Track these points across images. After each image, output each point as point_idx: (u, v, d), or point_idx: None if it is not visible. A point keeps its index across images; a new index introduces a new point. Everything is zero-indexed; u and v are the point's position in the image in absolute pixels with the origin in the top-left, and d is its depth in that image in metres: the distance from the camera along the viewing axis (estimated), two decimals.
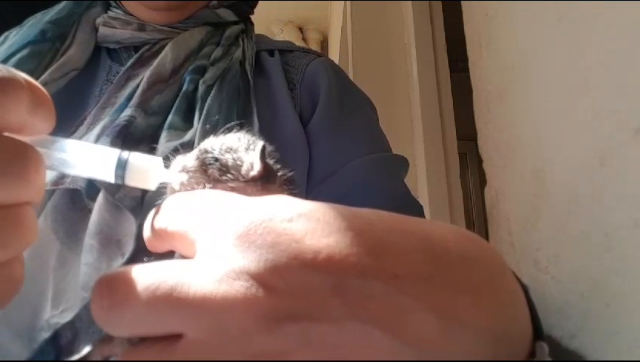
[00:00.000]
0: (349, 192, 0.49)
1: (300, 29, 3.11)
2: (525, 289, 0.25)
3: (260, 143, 0.27)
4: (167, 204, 0.25)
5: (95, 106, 0.47)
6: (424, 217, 0.53)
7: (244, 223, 0.21)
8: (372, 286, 0.20)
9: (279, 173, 0.28)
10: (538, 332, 0.24)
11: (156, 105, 0.46)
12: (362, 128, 0.56)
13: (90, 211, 0.39)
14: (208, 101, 0.46)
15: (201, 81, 0.48)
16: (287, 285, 0.19)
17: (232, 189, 0.26)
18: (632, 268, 0.35)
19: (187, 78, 0.48)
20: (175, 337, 0.20)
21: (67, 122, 0.45)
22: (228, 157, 0.27)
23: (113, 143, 0.41)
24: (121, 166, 0.25)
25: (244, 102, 0.49)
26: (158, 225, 0.25)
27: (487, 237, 0.63)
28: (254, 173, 0.26)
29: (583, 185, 0.42)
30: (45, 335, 0.34)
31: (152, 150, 0.41)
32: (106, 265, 0.36)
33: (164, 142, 0.42)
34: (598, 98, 0.41)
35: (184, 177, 0.27)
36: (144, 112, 0.45)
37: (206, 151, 0.27)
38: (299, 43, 3.02)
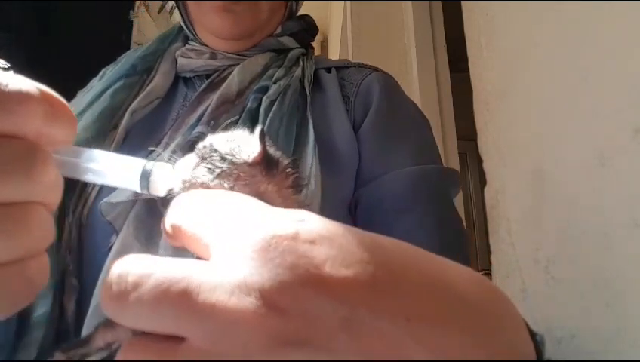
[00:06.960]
0: (386, 199, 0.51)
1: None
2: (536, 341, 0.25)
3: (259, 128, 0.27)
4: (182, 200, 0.25)
5: (171, 127, 0.54)
6: (462, 234, 0.53)
7: (265, 237, 0.21)
8: (381, 325, 0.19)
9: (281, 159, 0.28)
10: None
11: (223, 123, 0.51)
12: (411, 138, 0.58)
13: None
14: (270, 114, 0.51)
15: (264, 97, 0.53)
16: (298, 310, 0.19)
17: (237, 178, 0.26)
18: (632, 268, 0.35)
19: (251, 97, 0.54)
20: (178, 338, 0.20)
21: (149, 143, 0.52)
22: (227, 147, 0.27)
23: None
24: (146, 176, 0.26)
25: (301, 114, 0.54)
26: (172, 221, 0.25)
27: (487, 238, 0.63)
28: (254, 155, 0.26)
29: (583, 185, 0.42)
30: None
31: None
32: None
33: None
34: (598, 98, 0.40)
35: (186, 175, 0.27)
36: (212, 129, 0.50)
37: (204, 147, 0.27)
38: None
